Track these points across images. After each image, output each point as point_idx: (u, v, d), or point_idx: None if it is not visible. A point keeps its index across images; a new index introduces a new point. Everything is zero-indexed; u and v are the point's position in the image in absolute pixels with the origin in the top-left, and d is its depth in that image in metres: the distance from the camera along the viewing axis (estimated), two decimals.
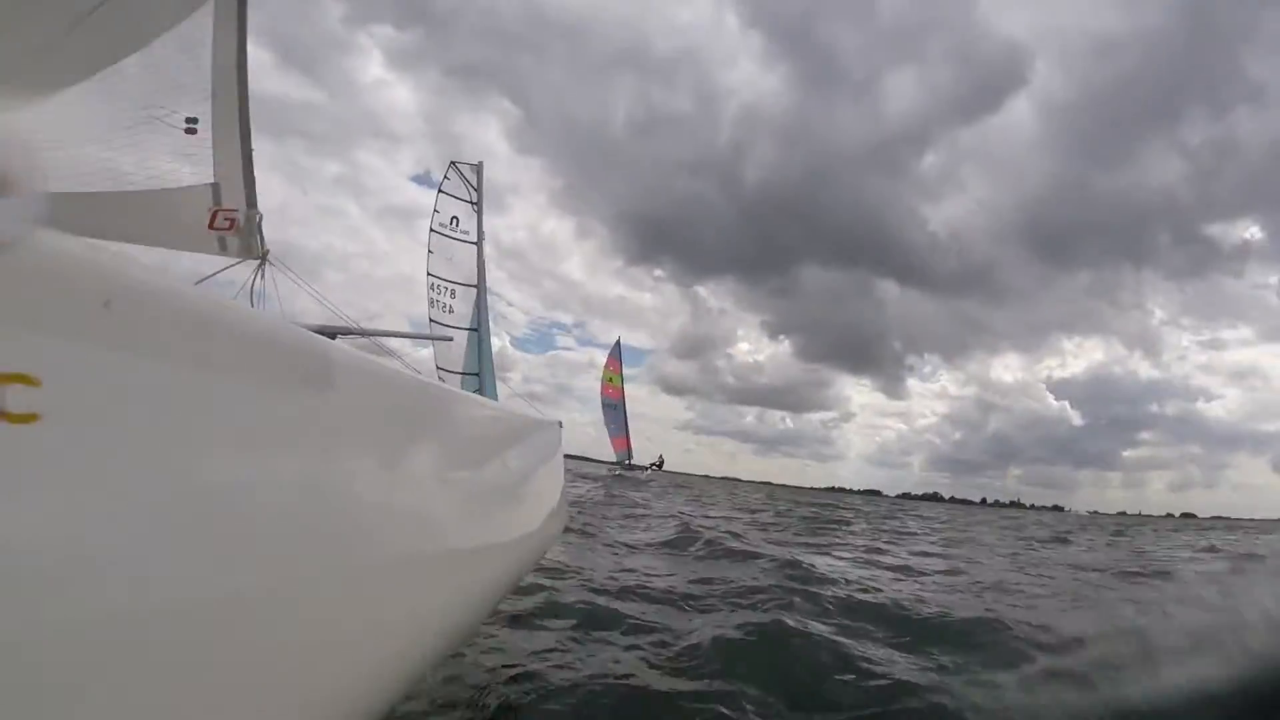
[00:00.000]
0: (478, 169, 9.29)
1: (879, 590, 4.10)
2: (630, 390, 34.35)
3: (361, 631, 0.98)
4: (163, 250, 2.88)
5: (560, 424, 3.29)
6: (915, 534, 10.26)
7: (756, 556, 4.94)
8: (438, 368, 8.60)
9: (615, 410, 32.39)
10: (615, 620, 2.95)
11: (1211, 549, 9.64)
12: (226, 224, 2.92)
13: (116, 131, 2.56)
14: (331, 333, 3.15)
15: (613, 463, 32.51)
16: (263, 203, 3.11)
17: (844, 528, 9.88)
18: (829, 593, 3.77)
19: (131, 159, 2.59)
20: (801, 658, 2.63)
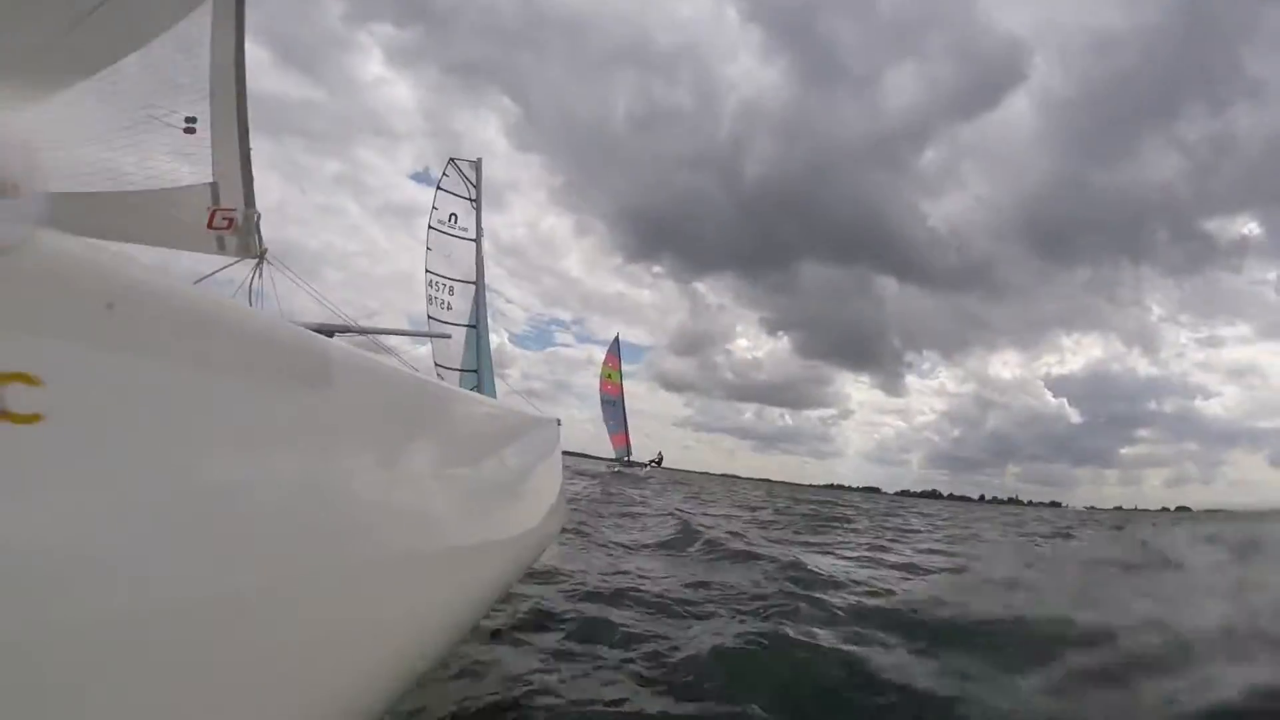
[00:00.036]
0: (477, 165, 9.28)
1: (890, 594, 3.86)
2: (629, 387, 34.35)
3: (360, 629, 0.98)
4: (162, 250, 2.88)
5: (559, 421, 3.30)
6: (919, 531, 10.14)
7: (758, 558, 4.79)
8: (436, 365, 8.60)
9: (614, 407, 32.34)
10: (607, 631, 2.74)
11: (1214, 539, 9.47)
12: (225, 223, 2.92)
13: (116, 131, 2.57)
14: (329, 331, 3.15)
15: (612, 460, 32.43)
16: (261, 202, 3.13)
17: (846, 525, 9.78)
18: (837, 599, 3.52)
19: (131, 159, 2.60)
20: (811, 670, 2.43)
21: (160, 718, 0.66)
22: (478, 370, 8.41)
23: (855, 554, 5.97)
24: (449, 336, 8.32)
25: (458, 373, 8.56)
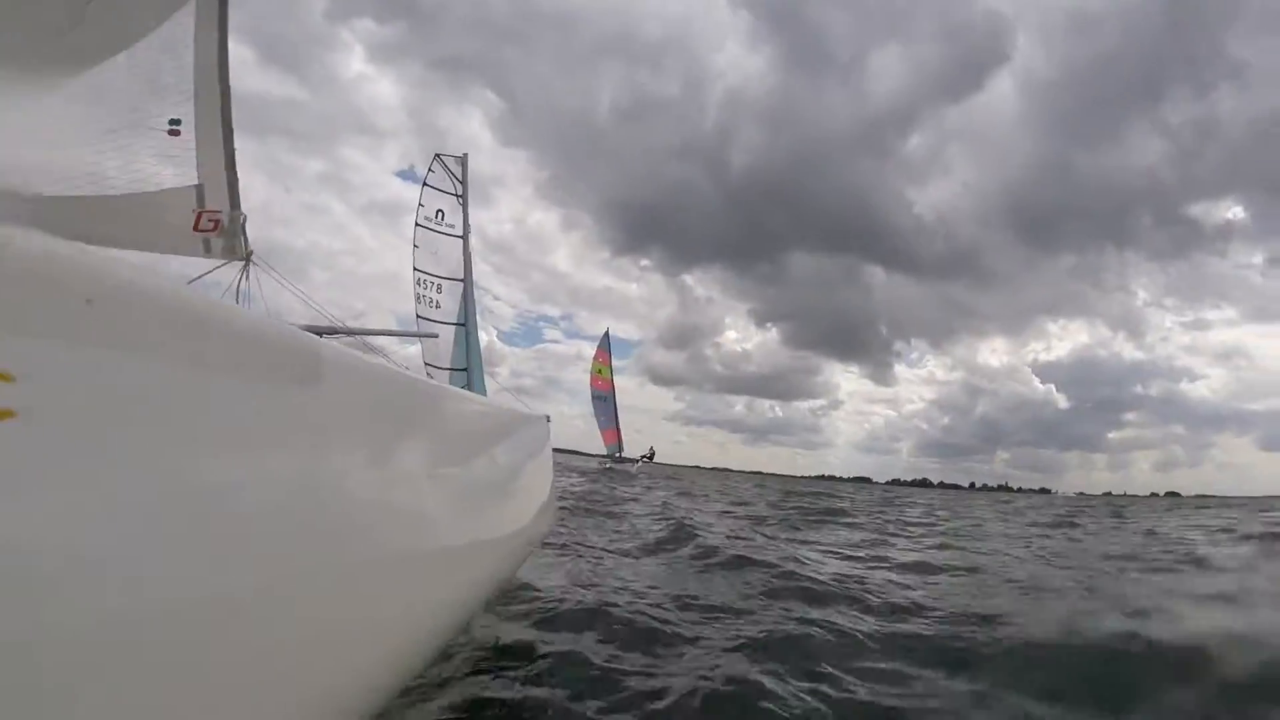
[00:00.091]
0: (462, 161, 9.22)
1: (919, 610, 3.34)
2: (619, 382, 34.11)
3: (350, 627, 0.98)
4: (148, 255, 2.86)
5: (548, 418, 3.32)
6: (919, 523, 9.97)
7: (755, 564, 4.40)
8: (426, 364, 8.57)
9: (605, 402, 32.23)
10: (580, 667, 2.25)
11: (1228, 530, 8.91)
12: (211, 226, 2.90)
13: (100, 135, 2.54)
14: (317, 333, 3.14)
15: (603, 456, 32.31)
16: (246, 202, 3.11)
17: (842, 518, 9.66)
18: (853, 619, 3.03)
19: (115, 162, 2.58)
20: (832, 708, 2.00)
21: (146, 717, 0.65)
22: (467, 369, 8.39)
23: (860, 553, 5.68)
24: (436, 336, 8.30)
25: (448, 372, 8.54)
